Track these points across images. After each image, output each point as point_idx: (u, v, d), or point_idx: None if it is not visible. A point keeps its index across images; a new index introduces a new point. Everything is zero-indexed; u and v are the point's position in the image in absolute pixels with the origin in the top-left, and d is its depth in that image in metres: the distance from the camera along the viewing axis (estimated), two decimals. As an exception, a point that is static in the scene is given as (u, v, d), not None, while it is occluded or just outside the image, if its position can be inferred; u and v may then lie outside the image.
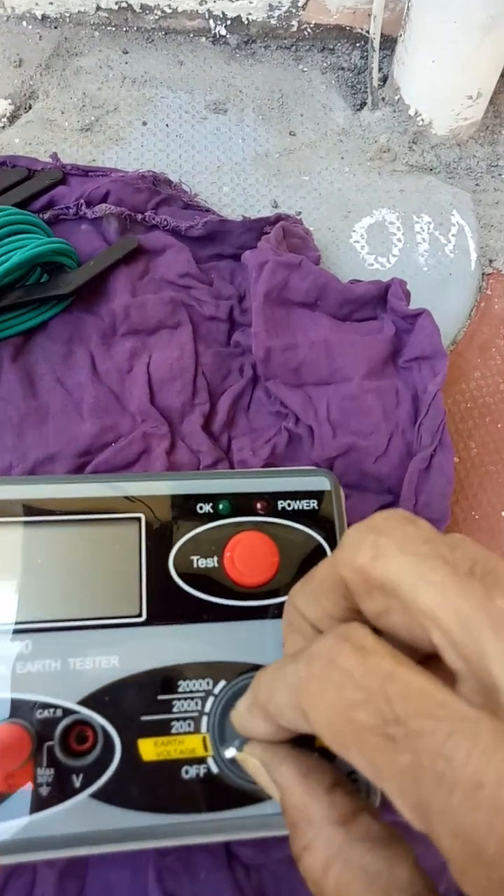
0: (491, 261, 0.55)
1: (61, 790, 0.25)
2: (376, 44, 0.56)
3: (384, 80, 0.60)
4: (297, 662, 0.20)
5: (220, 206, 0.54)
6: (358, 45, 0.63)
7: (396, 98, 0.58)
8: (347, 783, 0.22)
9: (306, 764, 0.22)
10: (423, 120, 0.58)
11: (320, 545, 0.31)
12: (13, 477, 0.38)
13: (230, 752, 0.26)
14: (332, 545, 0.31)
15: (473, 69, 0.53)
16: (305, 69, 0.62)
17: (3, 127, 0.55)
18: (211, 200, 0.54)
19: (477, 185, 0.59)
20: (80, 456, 0.42)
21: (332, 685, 0.18)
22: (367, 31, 0.58)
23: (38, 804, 0.25)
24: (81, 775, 0.26)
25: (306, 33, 0.62)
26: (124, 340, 0.46)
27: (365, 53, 0.63)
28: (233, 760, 0.26)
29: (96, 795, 0.25)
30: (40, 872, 0.32)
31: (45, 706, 0.26)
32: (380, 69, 0.59)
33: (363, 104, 0.61)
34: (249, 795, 0.26)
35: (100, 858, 0.33)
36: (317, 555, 0.31)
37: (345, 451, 0.42)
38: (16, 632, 0.27)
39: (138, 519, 0.30)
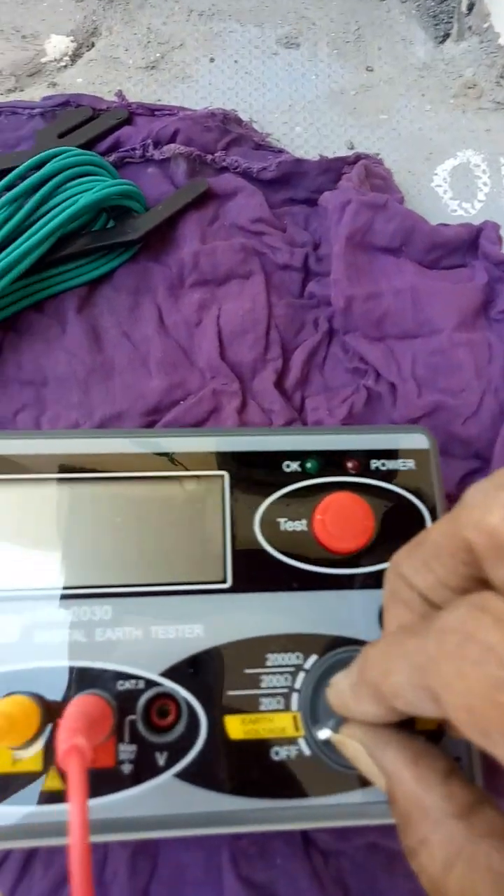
0: None
1: (145, 769, 0.23)
2: (468, -37, 0.51)
3: (471, 6, 0.55)
4: (424, 637, 0.17)
5: (293, 147, 0.50)
6: (441, -30, 0.58)
7: (485, 26, 0.53)
8: (461, 771, 0.20)
9: (415, 748, 0.20)
10: (514, 50, 0.53)
11: (418, 510, 0.28)
12: (88, 430, 0.36)
13: (325, 734, 0.24)
14: (431, 510, 0.28)
15: None
16: (384, -2, 0.57)
17: (66, 66, 0.52)
18: (283, 141, 0.50)
19: None
20: (147, 414, 0.39)
21: (471, 663, 0.16)
22: (455, -47, 0.53)
23: (121, 783, 0.23)
24: (166, 753, 0.24)
25: (385, -41, 0.57)
26: (192, 291, 0.43)
27: (449, -21, 0.57)
28: (327, 742, 0.24)
29: (181, 775, 0.23)
30: (112, 851, 0.30)
31: (127, 677, 0.24)
32: (467, -5, 0.54)
33: (446, 35, 0.56)
34: (346, 781, 0.24)
35: (172, 839, 0.31)
36: (415, 520, 0.28)
37: (431, 410, 0.39)
38: (94, 596, 0.25)
39: (221, 477, 0.28)
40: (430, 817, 0.18)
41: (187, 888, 0.30)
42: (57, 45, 0.52)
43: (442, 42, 0.56)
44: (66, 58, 0.52)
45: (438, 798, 0.19)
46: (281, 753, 0.24)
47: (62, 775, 0.23)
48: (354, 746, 0.21)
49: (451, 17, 0.55)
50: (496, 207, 0.50)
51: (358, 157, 0.45)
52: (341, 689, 0.21)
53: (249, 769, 0.24)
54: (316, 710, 0.25)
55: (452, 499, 0.38)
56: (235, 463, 0.28)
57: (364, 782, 0.24)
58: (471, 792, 0.19)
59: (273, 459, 0.29)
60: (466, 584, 0.19)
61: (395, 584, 0.21)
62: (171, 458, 0.28)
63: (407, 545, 0.21)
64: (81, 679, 0.24)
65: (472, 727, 0.16)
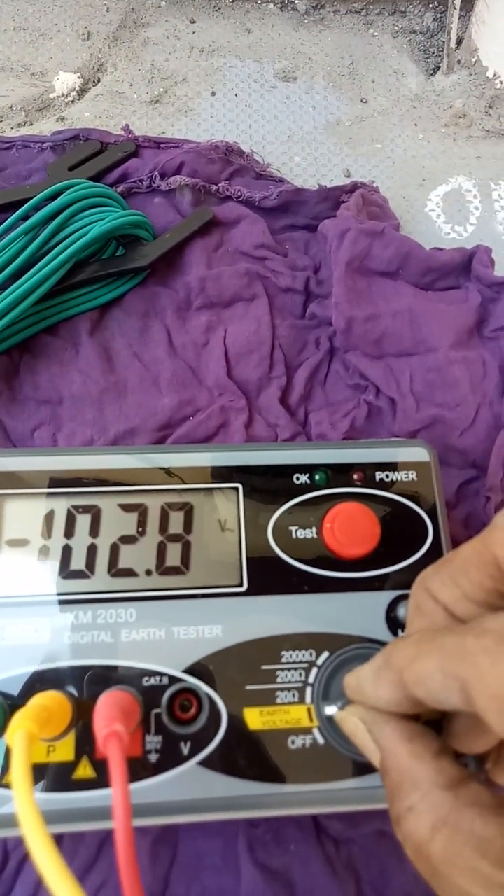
0: None
1: (170, 757, 0.25)
2: (457, 1, 0.54)
3: (459, 42, 0.58)
4: (461, 635, 0.19)
5: (292, 176, 0.53)
6: (431, 6, 0.61)
7: (473, 60, 0.56)
8: (452, 752, 0.21)
9: (412, 729, 0.22)
10: (501, 82, 0.56)
11: (421, 518, 0.30)
12: (109, 447, 0.38)
13: (330, 710, 0.26)
14: (433, 518, 0.30)
15: None
16: (376, 33, 0.60)
17: (73, 101, 0.55)
18: (282, 170, 0.53)
19: None
20: (159, 430, 0.41)
21: None
22: (442, -9, 0.56)
23: (148, 771, 0.25)
24: (189, 743, 0.26)
25: (376, -4, 0.60)
26: (200, 314, 0.45)
27: (438, 15, 0.61)
28: (330, 719, 0.26)
29: (204, 763, 0.25)
30: (135, 840, 0.32)
31: (152, 674, 0.26)
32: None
33: (437, 68, 0.59)
34: (357, 767, 0.26)
35: (191, 827, 0.33)
36: (417, 526, 0.30)
37: (429, 423, 0.41)
38: (120, 600, 0.27)
39: (236, 489, 0.30)
40: (420, 788, 0.20)
41: (206, 874, 0.32)
42: (65, 81, 0.55)
43: (433, 74, 0.59)
44: (74, 93, 0.55)
45: (429, 771, 0.20)
46: (297, 742, 0.26)
47: (96, 763, 0.25)
48: (354, 722, 0.23)
49: (441, 51, 0.58)
50: (487, 230, 0.52)
51: (355, 186, 0.48)
52: (364, 675, 0.23)
53: (267, 757, 0.26)
54: (328, 703, 0.27)
55: (451, 506, 0.41)
56: (249, 476, 0.30)
57: (371, 769, 0.26)
58: (460, 770, 0.20)
59: (284, 472, 0.31)
60: (490, 599, 0.21)
61: (421, 597, 0.23)
62: (189, 472, 0.30)
63: (436, 563, 0.23)
64: (109, 676, 0.26)
65: (500, 716, 0.18)
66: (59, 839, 0.31)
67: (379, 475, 0.31)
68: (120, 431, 0.41)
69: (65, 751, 0.25)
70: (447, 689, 0.19)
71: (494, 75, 0.55)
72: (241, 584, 0.28)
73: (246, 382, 0.43)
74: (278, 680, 0.27)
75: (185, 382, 0.43)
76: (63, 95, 0.55)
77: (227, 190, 0.48)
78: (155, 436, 0.41)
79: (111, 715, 0.22)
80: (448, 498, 0.41)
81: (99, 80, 0.56)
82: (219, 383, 0.43)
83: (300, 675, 0.27)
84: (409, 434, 0.41)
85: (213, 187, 0.48)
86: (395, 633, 0.28)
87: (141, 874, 0.31)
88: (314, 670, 0.27)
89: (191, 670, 0.27)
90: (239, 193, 0.48)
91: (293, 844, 0.33)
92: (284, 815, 0.32)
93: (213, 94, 0.56)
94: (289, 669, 0.27)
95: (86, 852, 0.32)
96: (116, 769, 0.19)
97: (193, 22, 0.59)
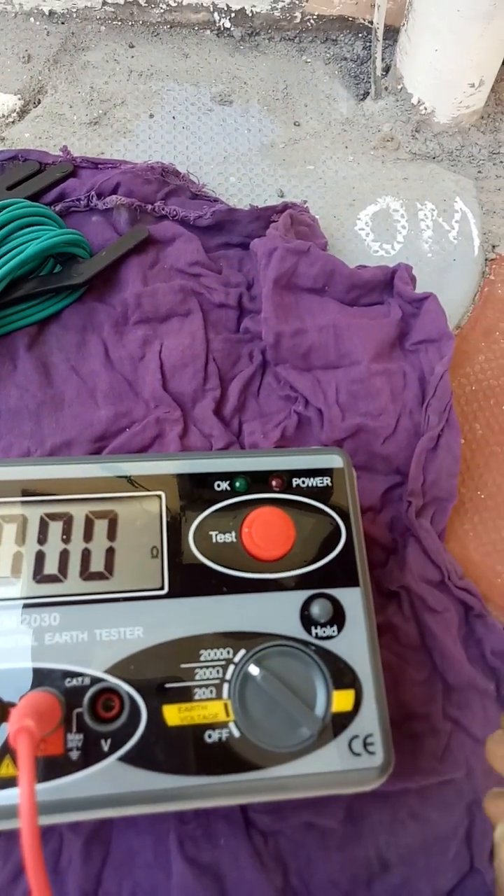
0: (494, 246, 0.56)
1: (90, 754, 0.26)
2: (380, 33, 0.56)
3: (387, 69, 0.61)
4: None
5: (227, 195, 0.55)
6: (360, 35, 0.64)
7: (399, 87, 0.59)
8: None
9: None
10: (425, 108, 0.58)
11: (335, 521, 0.32)
12: (37, 458, 0.39)
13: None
14: (346, 521, 0.32)
15: (475, 57, 0.54)
16: (309, 60, 0.63)
17: (13, 122, 0.56)
18: (218, 191, 0.55)
19: (479, 172, 0.60)
20: (95, 441, 0.43)
21: None
22: (370, 22, 0.59)
23: (69, 767, 0.26)
24: (109, 740, 0.27)
25: (309, 24, 0.63)
26: (136, 329, 0.47)
27: (368, 44, 0.64)
28: (245, 711, 0.28)
29: (124, 759, 0.26)
30: (66, 839, 0.33)
31: (74, 675, 0.27)
32: (382, 59, 0.60)
33: (366, 94, 0.62)
34: (269, 758, 0.27)
35: (124, 825, 0.34)
36: (332, 530, 0.32)
37: (353, 432, 0.43)
38: (44, 605, 0.28)
39: (159, 496, 0.31)
40: None
41: (138, 871, 0.33)
42: (5, 102, 0.56)
43: (362, 100, 0.62)
44: (14, 114, 0.56)
45: None
46: (213, 736, 0.28)
47: (13, 755, 0.26)
48: None
49: (370, 78, 0.61)
50: (413, 248, 0.55)
51: (286, 206, 0.50)
52: None
53: (186, 751, 0.27)
54: (244, 697, 0.28)
55: (377, 510, 0.43)
56: (172, 484, 0.32)
57: (286, 759, 0.27)
58: None
59: (205, 480, 0.32)
60: None
61: None
62: (113, 482, 0.31)
63: None
64: (33, 678, 0.27)
65: None
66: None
67: (296, 481, 0.33)
68: (56, 443, 0.42)
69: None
70: None
71: (419, 101, 0.58)
72: (161, 588, 0.30)
73: (181, 394, 0.45)
74: (197, 677, 0.28)
75: (121, 395, 0.44)
76: (3, 117, 0.56)
77: (163, 209, 0.50)
78: (91, 447, 0.43)
79: (23, 713, 0.23)
80: (373, 503, 0.43)
81: (39, 102, 0.58)
82: (154, 395, 0.44)
83: (218, 672, 0.28)
84: (336, 442, 0.43)
85: (149, 207, 0.50)
86: (308, 631, 0.30)
87: (74, 874, 0.32)
88: (231, 667, 0.29)
89: (111, 671, 0.28)
90: (174, 213, 0.50)
91: (223, 839, 0.34)
92: (208, 807, 0.33)
93: (152, 116, 0.58)
94: (207, 667, 0.28)
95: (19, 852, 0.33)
96: (24, 762, 0.20)
97: (132, 46, 0.61)
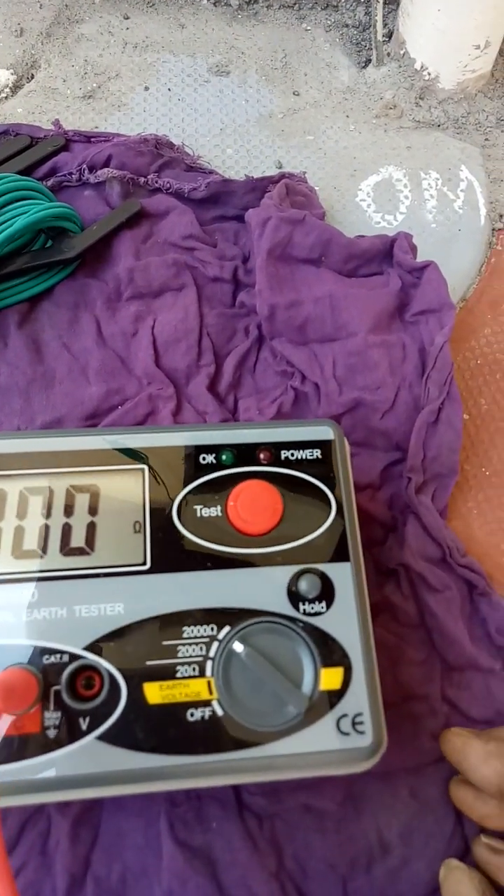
0: (501, 215, 0.54)
1: (69, 732, 0.26)
2: (380, -4, 0.55)
3: (389, 35, 0.59)
4: None
5: (224, 168, 0.53)
6: (362, 0, 0.62)
7: (402, 52, 0.57)
8: None
9: None
10: (429, 74, 0.56)
11: (325, 494, 0.31)
12: (20, 431, 0.39)
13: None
14: (336, 494, 0.31)
15: (481, 16, 0.52)
16: (308, 28, 0.61)
17: (6, 97, 0.55)
18: (215, 163, 0.53)
19: (486, 139, 0.58)
20: (86, 419, 0.42)
21: None
22: (371, -15, 0.57)
23: (47, 746, 0.25)
24: (88, 718, 0.26)
25: (309, -9, 0.61)
26: (129, 304, 0.46)
27: (369, 9, 0.61)
28: (229, 689, 0.27)
29: (103, 737, 0.26)
30: (54, 821, 0.32)
31: (52, 652, 0.27)
32: (384, 24, 0.58)
33: (368, 61, 0.60)
34: (254, 737, 0.26)
35: (113, 807, 0.33)
36: (321, 504, 0.31)
37: (351, 406, 0.42)
38: (23, 580, 0.28)
39: (142, 470, 0.30)
40: None
41: (128, 854, 0.32)
42: (-2, 77, 0.55)
43: (364, 67, 0.60)
44: (7, 89, 0.55)
45: None
46: (196, 714, 0.27)
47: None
48: None
49: (372, 44, 0.59)
50: (416, 219, 0.53)
51: (282, 176, 0.49)
52: None
53: (167, 730, 0.26)
54: (228, 676, 0.27)
55: (376, 487, 0.41)
56: (155, 457, 0.31)
57: (272, 738, 0.27)
58: None
59: (190, 453, 0.31)
60: None
61: None
62: (96, 455, 0.30)
63: None
64: (10, 655, 0.26)
65: None
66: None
67: (284, 454, 0.31)
68: (47, 420, 0.41)
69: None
70: None
71: (422, 67, 0.56)
72: (144, 563, 0.29)
73: (174, 371, 0.44)
74: (179, 655, 0.27)
75: (113, 372, 0.43)
76: (-4, 92, 0.55)
77: (156, 182, 0.49)
78: (82, 424, 0.42)
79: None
80: (372, 480, 0.42)
81: (32, 77, 0.56)
82: (147, 372, 0.43)
83: (201, 649, 0.27)
84: (334, 417, 0.42)
85: (142, 180, 0.48)
86: (296, 607, 0.29)
87: (61, 856, 0.32)
88: (215, 644, 0.28)
89: (91, 647, 0.27)
90: (168, 185, 0.49)
91: (215, 822, 0.33)
92: (193, 788, 0.32)
93: (147, 88, 0.57)
94: (190, 644, 0.27)
95: (6, 834, 0.32)
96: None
97: (127, 18, 0.60)
